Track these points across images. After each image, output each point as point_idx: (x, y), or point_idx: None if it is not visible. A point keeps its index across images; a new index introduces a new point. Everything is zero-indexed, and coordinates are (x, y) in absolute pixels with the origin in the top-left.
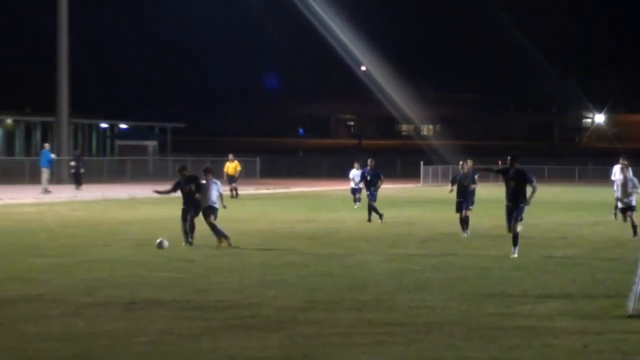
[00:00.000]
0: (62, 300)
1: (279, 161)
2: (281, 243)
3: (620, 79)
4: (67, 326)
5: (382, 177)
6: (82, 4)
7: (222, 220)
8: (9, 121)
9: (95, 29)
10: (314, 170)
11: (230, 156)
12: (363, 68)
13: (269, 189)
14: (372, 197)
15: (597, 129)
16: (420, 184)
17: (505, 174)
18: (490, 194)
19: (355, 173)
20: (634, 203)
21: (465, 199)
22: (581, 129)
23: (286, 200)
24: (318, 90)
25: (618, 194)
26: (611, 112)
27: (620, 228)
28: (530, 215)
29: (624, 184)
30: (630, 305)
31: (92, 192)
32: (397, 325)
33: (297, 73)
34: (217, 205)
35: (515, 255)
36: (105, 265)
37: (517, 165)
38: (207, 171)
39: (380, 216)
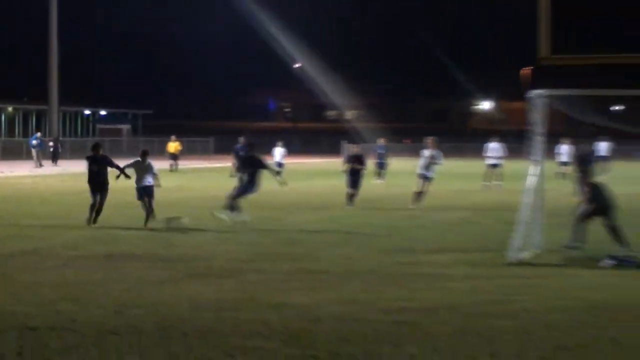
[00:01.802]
0: (53, 254)
1: (232, 140)
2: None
3: (502, 72)
4: (58, 276)
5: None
6: (69, 11)
7: (182, 189)
8: (10, 109)
9: (82, 30)
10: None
11: (173, 137)
12: (297, 65)
13: (214, 163)
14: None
15: (485, 113)
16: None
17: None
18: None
19: (279, 150)
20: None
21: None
22: (471, 114)
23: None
24: (261, 81)
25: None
26: (496, 100)
27: (505, 193)
28: (434, 184)
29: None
30: (510, 255)
31: (78, 167)
32: (324, 273)
33: (244, 67)
34: (152, 184)
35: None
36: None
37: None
38: (144, 153)
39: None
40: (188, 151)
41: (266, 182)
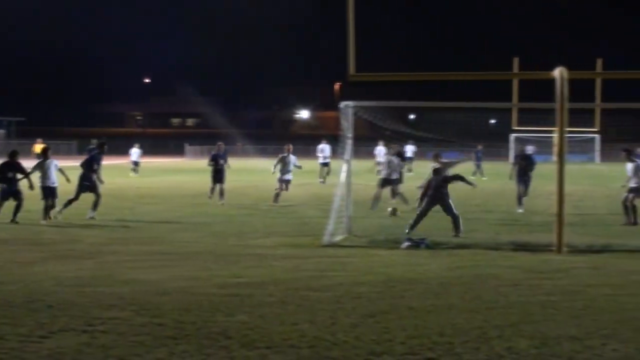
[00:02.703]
0: None
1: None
2: (86, 199)
3: (319, 86)
4: None
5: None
6: None
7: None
8: None
9: None
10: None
11: (39, 140)
12: (147, 80)
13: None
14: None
15: (303, 121)
16: (185, 159)
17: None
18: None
19: (135, 151)
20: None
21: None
22: (293, 121)
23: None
24: (115, 92)
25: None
26: (313, 110)
27: (323, 187)
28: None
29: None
30: (325, 239)
31: None
32: (169, 254)
33: (103, 80)
34: (56, 185)
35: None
36: None
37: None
38: (45, 150)
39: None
40: (53, 152)
41: (121, 177)
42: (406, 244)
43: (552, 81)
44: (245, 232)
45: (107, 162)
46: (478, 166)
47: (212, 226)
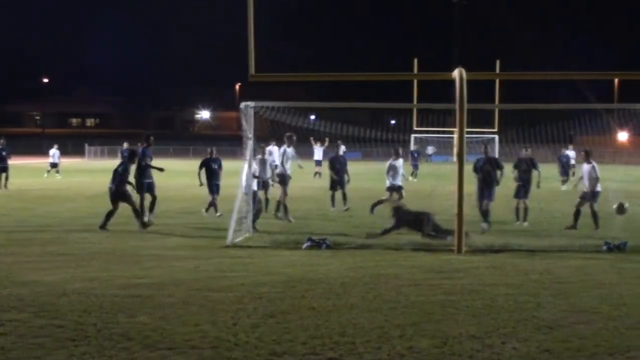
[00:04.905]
0: None
1: None
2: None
3: (220, 87)
4: None
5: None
6: None
7: None
8: None
9: None
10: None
11: None
12: (45, 80)
13: None
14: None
15: (205, 121)
16: (86, 159)
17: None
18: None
19: (54, 152)
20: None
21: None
22: (194, 121)
23: None
24: (11, 91)
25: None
26: (213, 110)
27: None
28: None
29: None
30: (228, 239)
31: None
32: (70, 255)
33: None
34: None
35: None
36: None
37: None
38: None
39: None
40: None
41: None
42: (307, 244)
43: (451, 82)
44: (146, 232)
45: (13, 162)
46: (415, 166)
47: (113, 227)
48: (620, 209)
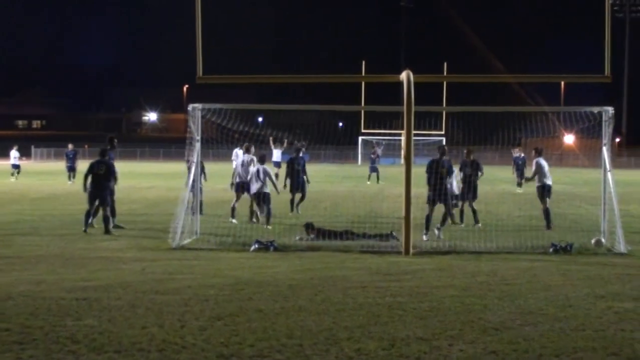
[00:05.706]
0: None
1: None
2: None
3: (167, 88)
4: None
5: None
6: None
7: None
8: None
9: None
10: None
11: None
12: None
13: None
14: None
15: (152, 123)
16: (32, 161)
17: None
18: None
19: (14, 154)
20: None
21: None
22: (141, 123)
23: None
24: None
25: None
26: (161, 112)
27: (170, 190)
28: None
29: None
30: (175, 241)
31: None
32: (16, 258)
33: None
34: None
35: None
36: None
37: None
38: None
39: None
40: None
41: None
42: (255, 246)
43: (399, 84)
44: (93, 234)
45: None
46: (373, 169)
47: (61, 229)
48: (598, 244)
